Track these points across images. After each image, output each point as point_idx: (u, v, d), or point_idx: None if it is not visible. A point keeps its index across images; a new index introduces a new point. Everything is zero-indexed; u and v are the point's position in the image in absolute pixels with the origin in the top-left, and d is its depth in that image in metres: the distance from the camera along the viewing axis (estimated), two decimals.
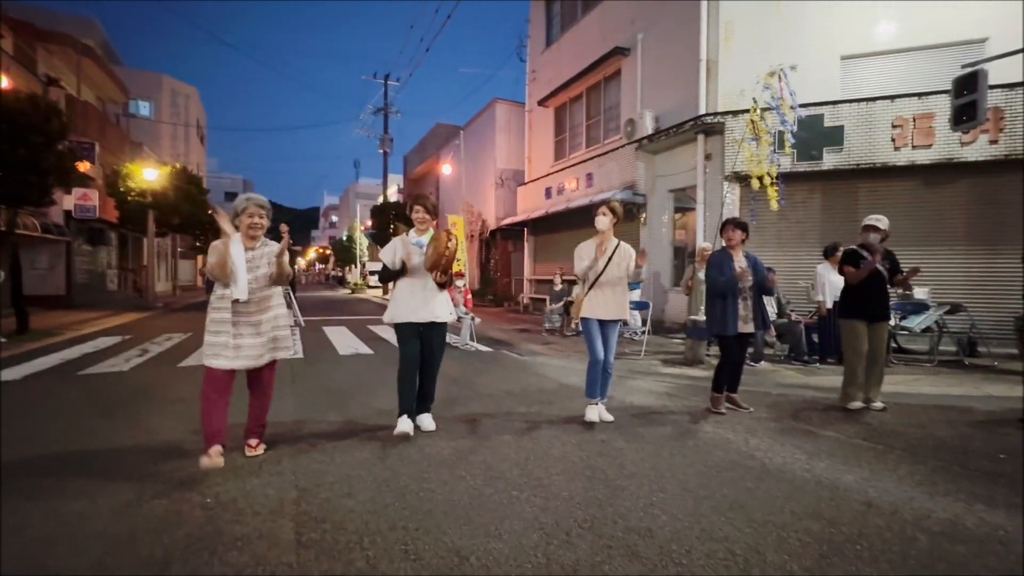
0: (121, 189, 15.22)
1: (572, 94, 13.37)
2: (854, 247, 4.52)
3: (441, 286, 3.61)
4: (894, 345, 6.35)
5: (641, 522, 2.30)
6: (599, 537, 2.17)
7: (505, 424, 3.86)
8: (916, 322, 6.40)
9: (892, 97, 7.71)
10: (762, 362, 6.19)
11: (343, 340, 8.49)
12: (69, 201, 14.28)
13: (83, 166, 12.78)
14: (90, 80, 18.58)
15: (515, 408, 4.36)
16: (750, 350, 6.19)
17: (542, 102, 14.33)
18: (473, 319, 8.18)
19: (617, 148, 11.10)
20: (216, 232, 3.03)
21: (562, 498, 2.55)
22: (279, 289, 3.19)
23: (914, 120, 7.54)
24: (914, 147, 7.55)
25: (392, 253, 3.62)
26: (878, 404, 4.33)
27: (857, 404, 4.34)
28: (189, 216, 17.68)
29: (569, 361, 6.62)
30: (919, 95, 7.57)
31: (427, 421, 3.70)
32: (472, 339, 8.06)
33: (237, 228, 3.00)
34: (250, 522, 2.28)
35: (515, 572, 1.92)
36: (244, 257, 2.94)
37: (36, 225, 12.63)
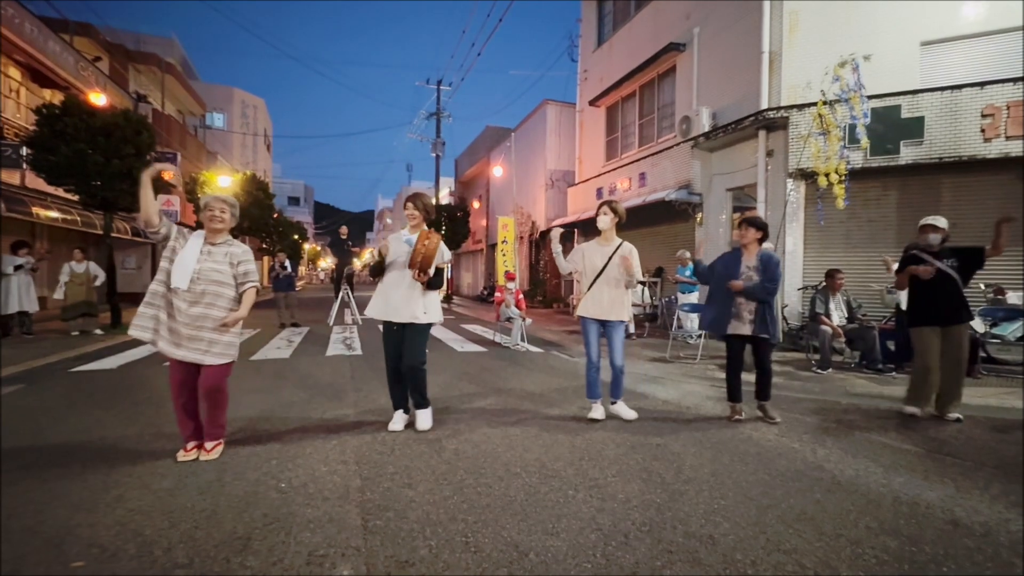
0: (198, 195, 16.48)
1: (624, 93, 13.15)
2: (913, 252, 4.28)
3: (425, 286, 3.52)
4: (983, 355, 5.81)
5: (702, 528, 2.25)
6: (658, 541, 2.14)
7: (558, 424, 3.86)
8: (1009, 330, 5.84)
9: (981, 84, 7.06)
10: (829, 369, 5.84)
11: None
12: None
13: (167, 175, 13.93)
14: (172, 95, 20.22)
15: (567, 409, 4.35)
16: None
17: (593, 101, 14.18)
18: (524, 320, 8.22)
19: (671, 147, 10.81)
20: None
21: (618, 500, 2.53)
22: (232, 295, 3.00)
23: (1008, 108, 6.88)
24: (1008, 137, 6.89)
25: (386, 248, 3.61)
26: (953, 415, 4.03)
27: (912, 409, 4.15)
28: (257, 220, 18.86)
29: None
30: (1014, 80, 6.90)
31: (421, 419, 3.64)
32: (523, 340, 8.11)
33: (202, 223, 3.08)
34: (320, 506, 2.42)
35: (574, 571, 1.92)
36: (199, 248, 2.95)
37: (127, 229, 13.88)
